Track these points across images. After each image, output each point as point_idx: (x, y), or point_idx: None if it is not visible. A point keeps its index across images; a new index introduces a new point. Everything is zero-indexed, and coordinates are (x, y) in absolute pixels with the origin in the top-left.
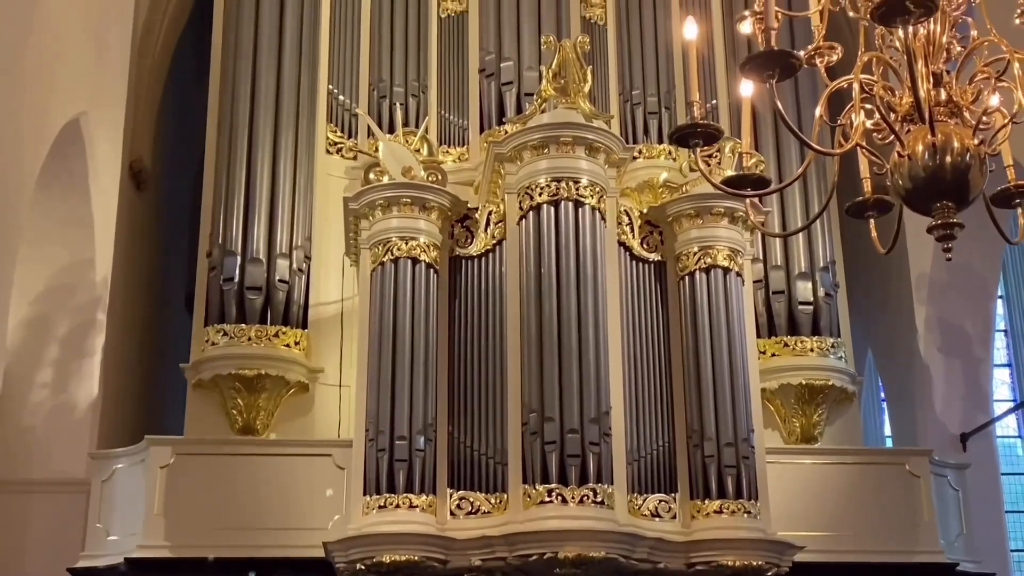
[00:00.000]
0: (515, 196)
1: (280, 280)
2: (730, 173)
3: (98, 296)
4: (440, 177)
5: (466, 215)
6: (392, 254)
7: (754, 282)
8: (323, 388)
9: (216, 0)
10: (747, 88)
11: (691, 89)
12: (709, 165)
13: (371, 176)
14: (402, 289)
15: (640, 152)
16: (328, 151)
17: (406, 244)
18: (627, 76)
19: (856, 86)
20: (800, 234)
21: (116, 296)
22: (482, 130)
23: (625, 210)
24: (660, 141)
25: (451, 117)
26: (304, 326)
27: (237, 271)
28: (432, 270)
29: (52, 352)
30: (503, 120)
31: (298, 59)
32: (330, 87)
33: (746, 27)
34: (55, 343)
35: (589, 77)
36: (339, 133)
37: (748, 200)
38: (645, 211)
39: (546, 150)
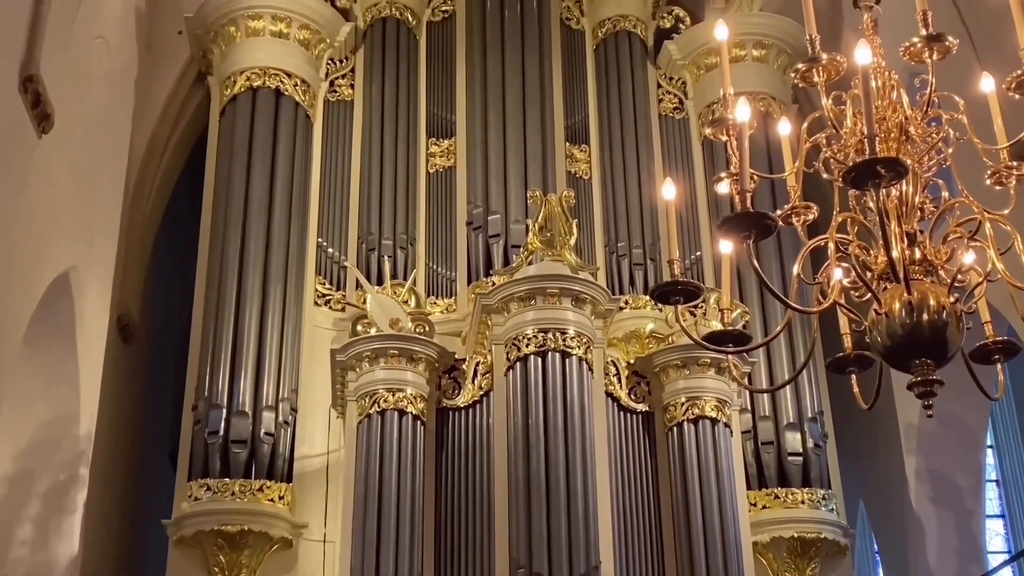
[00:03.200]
0: (502, 347)
1: (266, 433)
2: (715, 325)
3: (81, 451)
4: (428, 328)
5: (453, 366)
6: (379, 406)
7: (742, 432)
8: (307, 544)
9: (208, 154)
10: (726, 247)
11: (671, 248)
12: (695, 315)
13: (359, 328)
14: (388, 441)
15: (626, 303)
16: (316, 303)
17: (393, 396)
18: (612, 228)
19: (831, 245)
20: (787, 388)
21: (99, 451)
22: (470, 282)
23: (612, 361)
24: (646, 292)
25: (439, 269)
26: (289, 480)
27: (222, 424)
28: (419, 422)
29: (33, 508)
30: (490, 272)
31: (288, 213)
32: (319, 240)
33: (723, 187)
34: (37, 499)
35: (575, 230)
36: (327, 285)
37: (731, 356)
38: (632, 361)
39: (533, 301)
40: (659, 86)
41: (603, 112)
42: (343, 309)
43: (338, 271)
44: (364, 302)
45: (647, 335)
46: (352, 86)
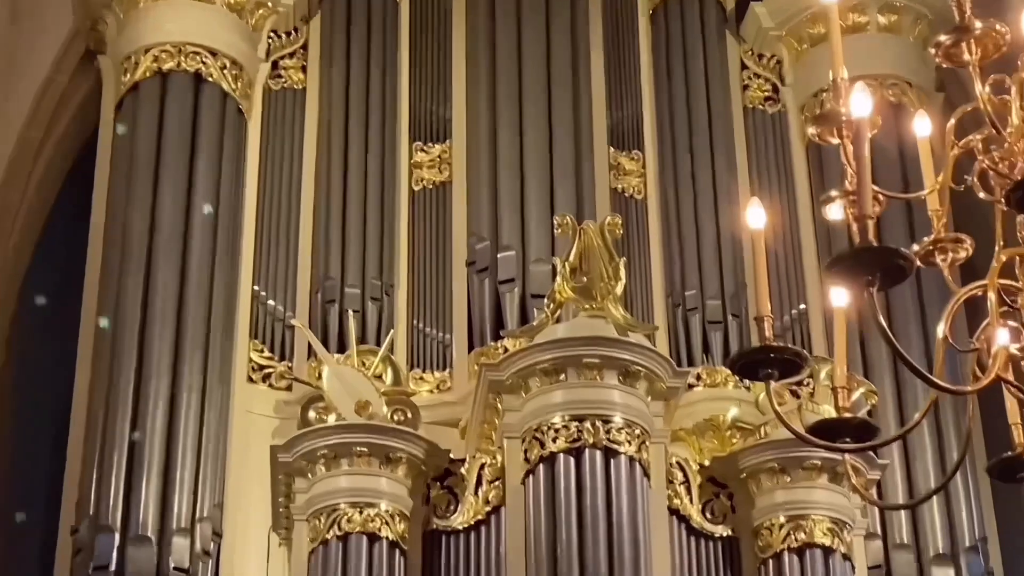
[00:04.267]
0: (518, 442)
1: (176, 568)
2: (828, 410)
3: None
4: (410, 415)
5: (448, 470)
6: (340, 528)
7: (870, 569)
8: None
9: (98, 166)
10: (840, 297)
11: (760, 299)
12: (799, 396)
13: (311, 415)
14: None
15: (698, 378)
16: (250, 378)
17: (360, 513)
18: (677, 271)
19: (992, 295)
20: (933, 501)
21: None
22: (471, 347)
23: (679, 462)
24: (726, 362)
25: (427, 329)
26: None
27: (114, 555)
28: (398, 550)
29: None
30: (500, 334)
31: (211, 249)
32: (255, 288)
33: (835, 212)
34: None
35: (623, 273)
36: (266, 353)
37: (848, 456)
38: (708, 463)
39: (563, 376)
40: (744, 67)
41: (662, 104)
42: (289, 387)
43: (282, 332)
44: (319, 377)
45: (729, 425)
46: (304, 69)
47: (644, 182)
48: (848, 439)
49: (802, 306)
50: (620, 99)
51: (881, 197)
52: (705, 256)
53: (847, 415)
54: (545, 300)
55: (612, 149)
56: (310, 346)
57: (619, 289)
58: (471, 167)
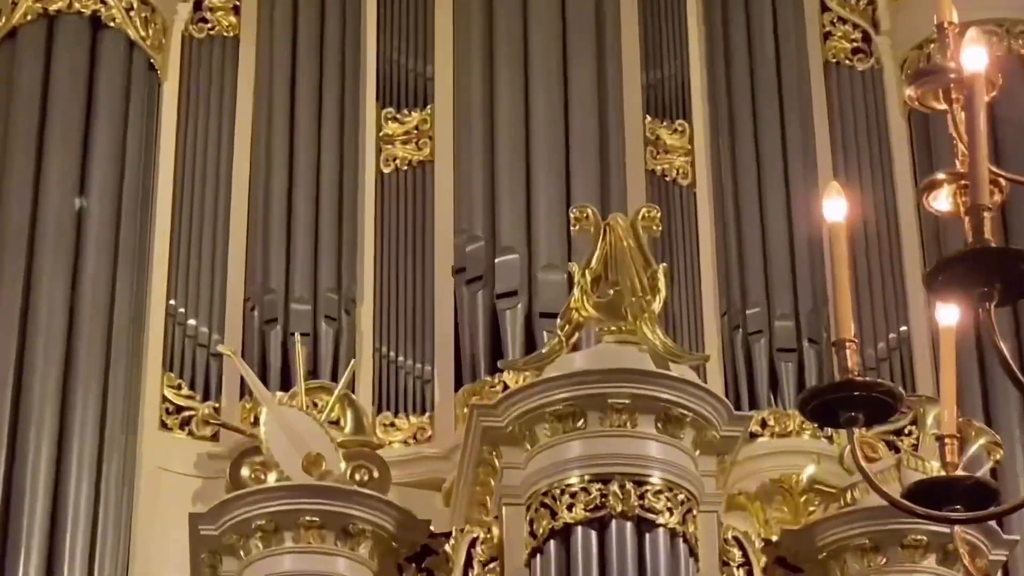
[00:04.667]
0: (522, 510)
1: None
2: (934, 467)
3: None
4: (377, 474)
5: (427, 547)
6: None
7: None
8: None
9: None
10: (949, 315)
11: (841, 319)
12: (897, 450)
13: (245, 473)
14: None
15: (763, 425)
16: (164, 424)
17: None
18: (736, 281)
19: None
20: None
21: None
22: (459, 384)
23: (736, 537)
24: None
25: (400, 358)
26: None
27: None
28: None
29: None
30: (498, 365)
31: (112, 250)
32: (170, 303)
33: (941, 202)
34: None
35: (663, 283)
36: (185, 390)
37: (959, 528)
38: (775, 539)
39: (582, 422)
40: (825, 8)
41: (715, 61)
42: (215, 436)
43: (206, 362)
44: (255, 423)
45: (804, 488)
46: (236, 11)
47: (691, 162)
48: (960, 506)
49: (903, 328)
50: (660, 53)
51: (1003, 182)
52: (773, 262)
53: (959, 474)
54: (558, 320)
55: (649, 119)
56: (243, 381)
57: (657, 305)
58: (460, 142)
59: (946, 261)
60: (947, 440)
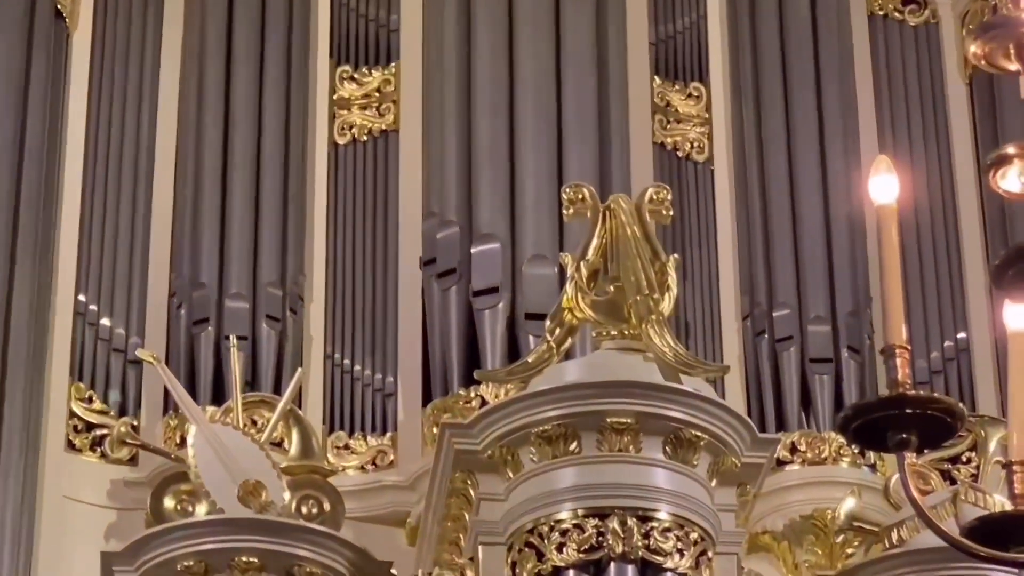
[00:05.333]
0: (502, 550)
1: None
2: (998, 502)
3: None
4: (328, 507)
5: None
6: None
7: None
8: None
9: None
10: (1018, 317)
11: (888, 320)
12: (953, 482)
13: (169, 504)
14: None
15: (794, 450)
16: (71, 444)
17: None
18: (761, 277)
19: None
20: None
21: None
22: (427, 398)
23: None
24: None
25: (356, 367)
26: None
27: None
28: None
29: None
30: (475, 376)
31: (9, 237)
32: (79, 298)
33: (1010, 181)
34: None
35: (674, 279)
36: (97, 404)
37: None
38: None
39: (575, 445)
40: None
41: (739, 12)
42: (132, 459)
43: (122, 371)
44: (182, 444)
45: (842, 526)
46: None
47: (708, 134)
48: None
49: (961, 335)
50: (671, 3)
51: None
52: (806, 254)
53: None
54: (547, 322)
55: (658, 81)
56: (167, 393)
57: (667, 306)
58: (429, 108)
59: (1018, 252)
60: (1016, 468)
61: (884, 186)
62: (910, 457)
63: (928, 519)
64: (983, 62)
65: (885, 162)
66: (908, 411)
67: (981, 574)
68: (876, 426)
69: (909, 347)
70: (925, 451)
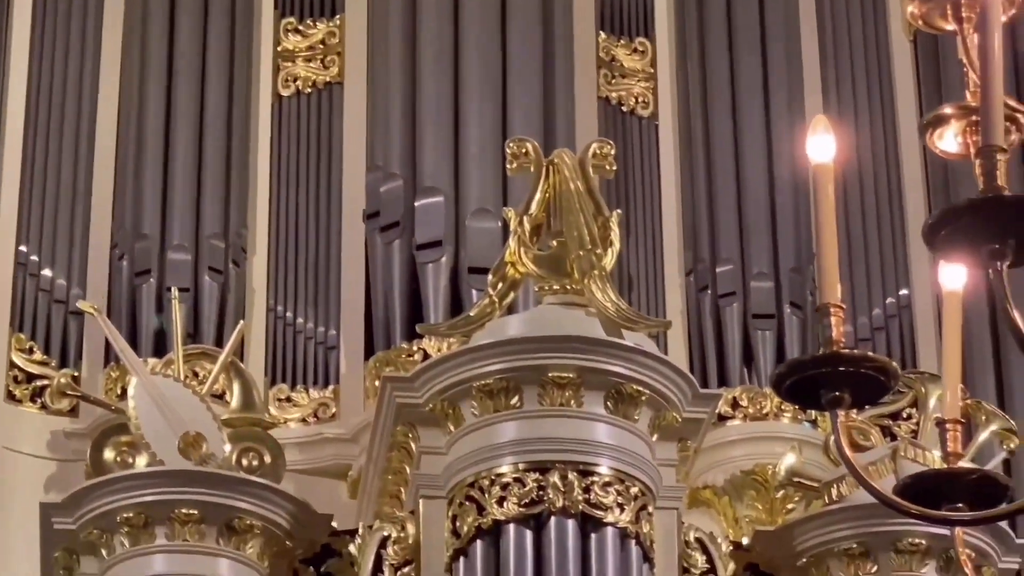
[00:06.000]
0: (443, 504)
1: None
2: (935, 459)
3: None
4: (270, 459)
5: (327, 548)
6: None
7: None
8: None
9: None
10: (952, 277)
11: (823, 277)
12: (893, 438)
13: (109, 455)
14: None
15: (735, 406)
16: (11, 395)
17: None
18: (704, 233)
19: None
20: None
21: None
22: (370, 351)
23: (699, 539)
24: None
25: (299, 320)
26: None
27: None
28: None
29: None
30: (417, 329)
31: None
32: (20, 248)
33: (947, 142)
34: None
35: (616, 235)
36: (38, 355)
37: (959, 530)
38: (746, 542)
39: (517, 399)
40: None
41: None
42: (73, 411)
43: (64, 322)
44: (122, 395)
45: (782, 481)
46: None
47: (653, 89)
48: (963, 504)
49: (903, 292)
50: None
51: (1022, 118)
52: (749, 210)
53: (962, 466)
54: (490, 276)
55: (603, 36)
56: (109, 344)
57: (609, 261)
58: (374, 60)
59: (951, 212)
60: (949, 426)
61: (821, 145)
62: (844, 415)
63: (860, 476)
64: (920, 22)
65: (823, 121)
66: (841, 369)
67: (916, 529)
68: (810, 384)
69: (844, 306)
70: (860, 409)
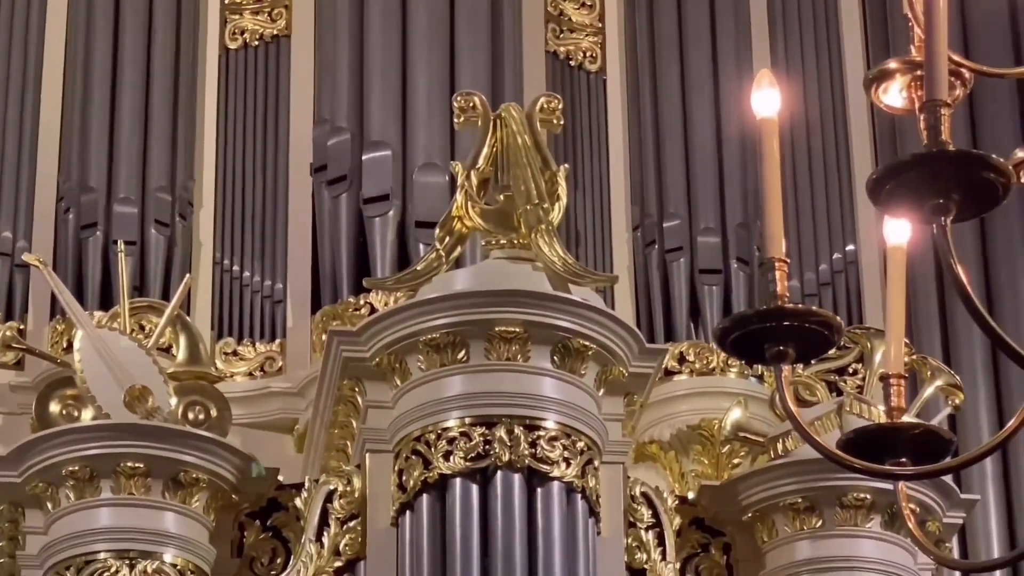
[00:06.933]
0: (389, 458)
1: None
2: (879, 413)
3: None
4: (215, 413)
5: (274, 502)
6: None
7: None
8: None
9: None
10: (898, 231)
11: (767, 231)
12: (839, 393)
13: (54, 408)
14: None
15: (682, 360)
16: None
17: (131, 570)
18: (652, 187)
19: None
20: None
21: None
22: (316, 305)
23: (645, 494)
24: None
25: (245, 273)
26: None
27: None
28: None
29: None
30: (364, 283)
31: None
32: None
33: (892, 97)
34: None
35: (564, 188)
36: None
37: (903, 485)
38: (692, 496)
39: (463, 353)
40: None
41: None
42: (19, 364)
43: (9, 274)
44: (68, 349)
45: (728, 436)
46: None
47: (601, 43)
48: (906, 459)
49: (849, 247)
50: None
51: (967, 73)
52: (697, 165)
53: (905, 420)
54: (437, 231)
55: None
56: (54, 297)
57: (556, 215)
58: (321, 13)
59: (894, 167)
60: (893, 381)
61: (766, 99)
62: (788, 370)
63: (804, 431)
64: None
65: (767, 76)
66: (785, 324)
67: (862, 484)
68: (754, 338)
69: (787, 260)
70: (805, 363)
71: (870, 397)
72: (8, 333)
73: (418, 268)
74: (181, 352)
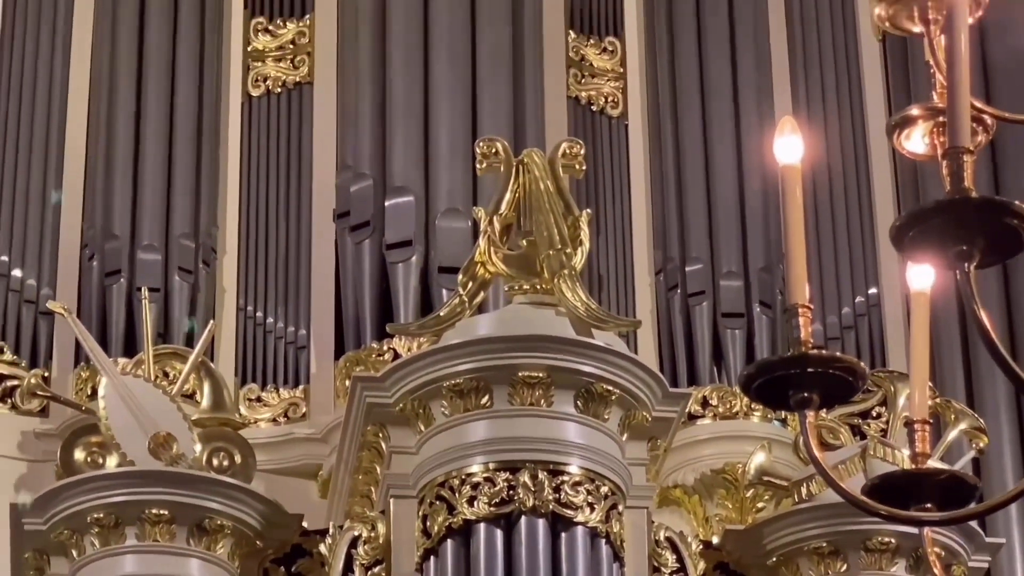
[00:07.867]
0: (413, 504)
1: None
2: (903, 458)
3: None
4: (240, 459)
5: (298, 548)
6: None
7: None
8: None
9: None
10: (920, 277)
11: (791, 277)
12: (863, 437)
13: (79, 455)
14: None
15: (705, 404)
16: None
17: None
18: (674, 232)
19: None
20: None
21: None
22: (340, 351)
23: (670, 538)
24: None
25: (269, 320)
26: None
27: None
28: None
29: None
30: (387, 329)
31: None
32: None
33: (914, 143)
34: None
35: (586, 234)
36: (7, 355)
37: (928, 530)
38: (716, 540)
39: (487, 399)
40: None
41: None
42: (43, 411)
43: (33, 322)
44: (93, 396)
45: (752, 480)
46: None
47: (623, 88)
48: (931, 504)
49: (872, 291)
50: None
51: (989, 119)
52: (719, 209)
53: (930, 466)
54: (460, 276)
55: (573, 35)
56: (79, 345)
57: (579, 260)
58: (344, 60)
59: (918, 214)
60: (917, 426)
61: (789, 146)
62: (816, 414)
63: (829, 476)
64: (888, 24)
65: (790, 122)
66: (810, 370)
67: (886, 528)
68: (778, 384)
69: (811, 306)
70: (828, 409)
71: (894, 440)
72: (33, 380)
73: (441, 314)
74: (205, 398)
